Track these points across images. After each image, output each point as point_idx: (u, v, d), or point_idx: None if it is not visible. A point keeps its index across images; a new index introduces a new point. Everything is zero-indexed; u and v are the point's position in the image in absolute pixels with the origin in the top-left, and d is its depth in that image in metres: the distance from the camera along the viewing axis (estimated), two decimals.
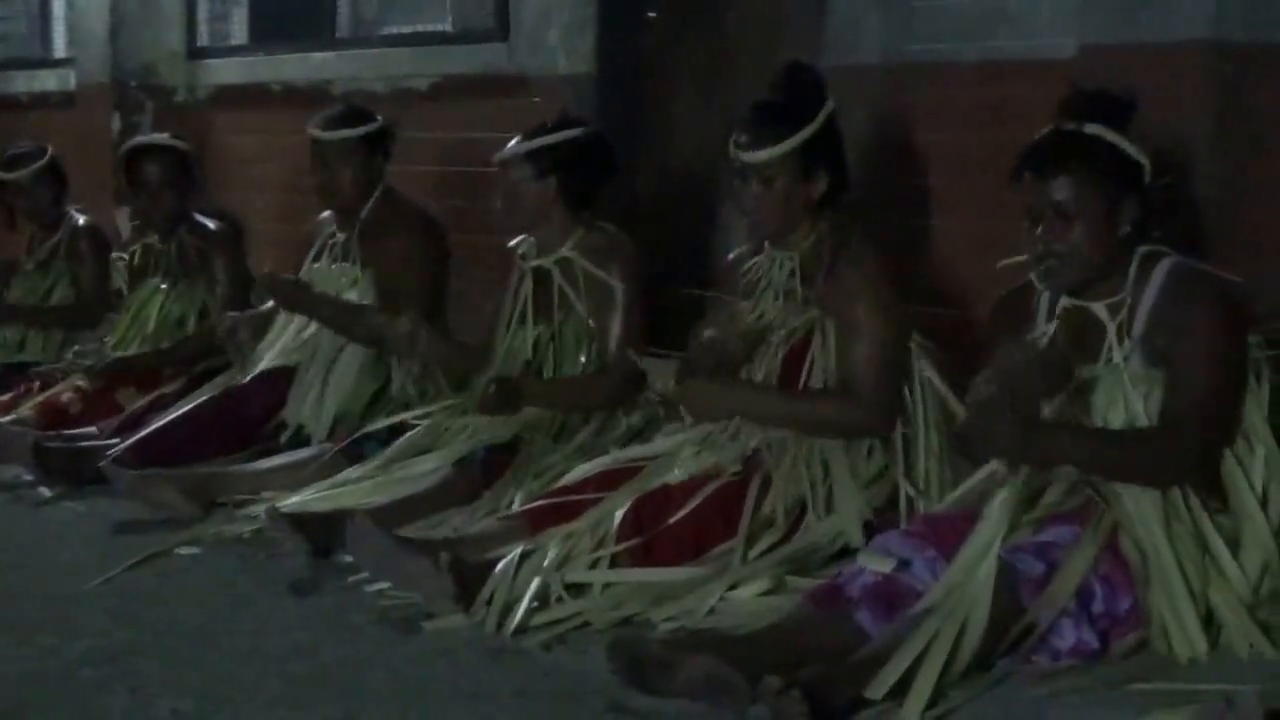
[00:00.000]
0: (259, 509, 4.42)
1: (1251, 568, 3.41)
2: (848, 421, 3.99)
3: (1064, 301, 3.52)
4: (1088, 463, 3.42)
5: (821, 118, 4.03)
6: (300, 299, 5.14)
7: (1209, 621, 3.35)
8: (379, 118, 5.26)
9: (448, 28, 6.75)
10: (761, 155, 4.01)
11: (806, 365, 4.02)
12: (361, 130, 5.16)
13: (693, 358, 4.13)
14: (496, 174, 4.72)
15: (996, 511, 3.40)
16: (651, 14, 5.73)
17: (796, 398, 4.03)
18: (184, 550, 4.30)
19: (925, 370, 4.01)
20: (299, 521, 4.18)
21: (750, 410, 4.03)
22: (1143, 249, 3.49)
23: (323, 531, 4.14)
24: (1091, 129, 3.43)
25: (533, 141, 4.62)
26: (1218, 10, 3.80)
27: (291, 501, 4.43)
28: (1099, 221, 3.43)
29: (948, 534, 3.41)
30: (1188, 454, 3.42)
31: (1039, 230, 3.45)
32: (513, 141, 4.66)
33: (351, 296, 5.15)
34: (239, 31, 7.89)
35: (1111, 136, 3.43)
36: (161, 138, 5.96)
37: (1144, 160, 3.45)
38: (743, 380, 4.08)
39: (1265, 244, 3.93)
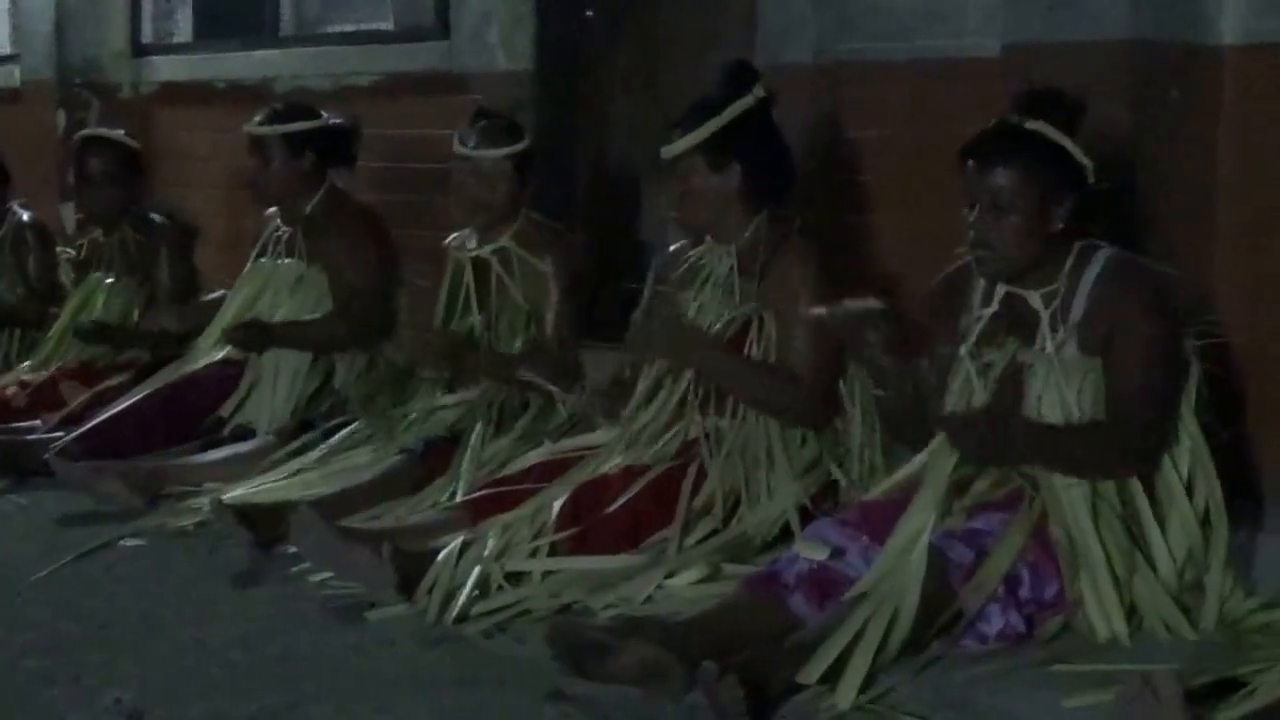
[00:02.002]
0: (203, 501, 4.43)
1: (1177, 552, 3.49)
2: (788, 404, 4.04)
3: (1002, 288, 3.59)
4: (1044, 458, 3.47)
5: (731, 110, 4.05)
6: (266, 340, 5.16)
7: (1133, 606, 3.42)
8: (323, 116, 5.31)
9: (389, 26, 6.77)
10: (669, 150, 4.06)
11: (745, 355, 4.06)
12: (293, 127, 5.20)
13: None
14: (448, 169, 4.79)
15: (927, 499, 3.45)
16: (589, 13, 5.77)
17: (755, 365, 4.05)
18: (128, 542, 4.32)
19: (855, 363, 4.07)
20: (243, 513, 4.20)
21: (708, 363, 4.05)
22: (1081, 242, 3.55)
23: (266, 523, 4.16)
24: (1033, 125, 3.49)
25: (518, 145, 4.72)
26: (1133, 10, 3.87)
27: (235, 493, 4.45)
28: (1032, 215, 3.48)
29: (880, 522, 3.46)
30: (1137, 448, 3.49)
31: (973, 218, 3.53)
32: (470, 137, 4.72)
33: (297, 291, 5.19)
34: (183, 29, 7.87)
35: (1053, 134, 3.49)
36: (115, 133, 5.96)
37: (1085, 160, 3.51)
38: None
39: (1179, 238, 4.01)
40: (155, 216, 5.85)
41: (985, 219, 3.50)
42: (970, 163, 3.52)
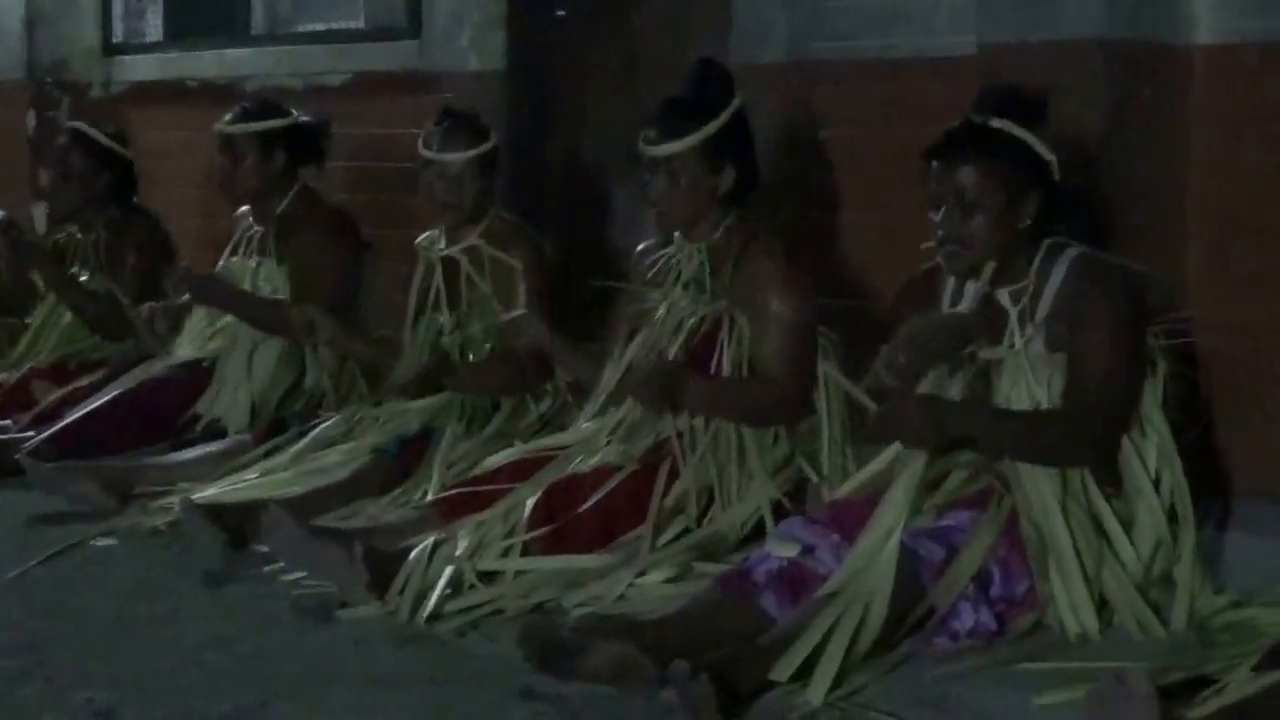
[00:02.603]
0: (175, 500, 4.42)
1: (1144, 549, 3.50)
2: (766, 408, 4.06)
3: (978, 287, 3.59)
4: (993, 443, 3.49)
5: (727, 113, 4.09)
6: (213, 293, 5.17)
7: (1103, 603, 3.44)
8: (293, 114, 5.30)
9: (361, 25, 6.76)
10: (667, 149, 4.07)
11: (715, 355, 4.07)
12: (263, 125, 5.20)
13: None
14: (416, 168, 4.79)
15: (898, 497, 3.46)
16: (561, 12, 5.77)
17: (735, 384, 4.06)
18: (100, 542, 4.32)
19: (828, 359, 4.08)
20: (214, 512, 4.20)
21: (693, 400, 4.04)
22: (1049, 240, 3.58)
23: (238, 522, 4.17)
24: (998, 123, 3.52)
25: (484, 146, 4.71)
26: (1106, 10, 3.89)
27: (207, 493, 4.44)
28: (999, 213, 3.51)
29: (851, 519, 3.47)
30: (1090, 436, 3.51)
31: (940, 216, 3.54)
32: (437, 140, 4.72)
33: (268, 290, 5.17)
34: (154, 28, 7.86)
35: (1018, 132, 3.51)
36: (103, 138, 5.95)
37: (1050, 157, 3.53)
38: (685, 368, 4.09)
39: (1152, 236, 4.03)
40: (128, 214, 5.85)
41: (953, 217, 3.52)
42: (935, 162, 3.54)
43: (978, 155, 3.50)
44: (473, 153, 4.72)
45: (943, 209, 3.54)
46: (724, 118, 4.08)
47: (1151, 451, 3.56)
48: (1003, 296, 3.58)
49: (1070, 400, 3.49)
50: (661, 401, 4.02)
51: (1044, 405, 3.51)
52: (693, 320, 4.10)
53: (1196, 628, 3.42)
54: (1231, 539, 3.76)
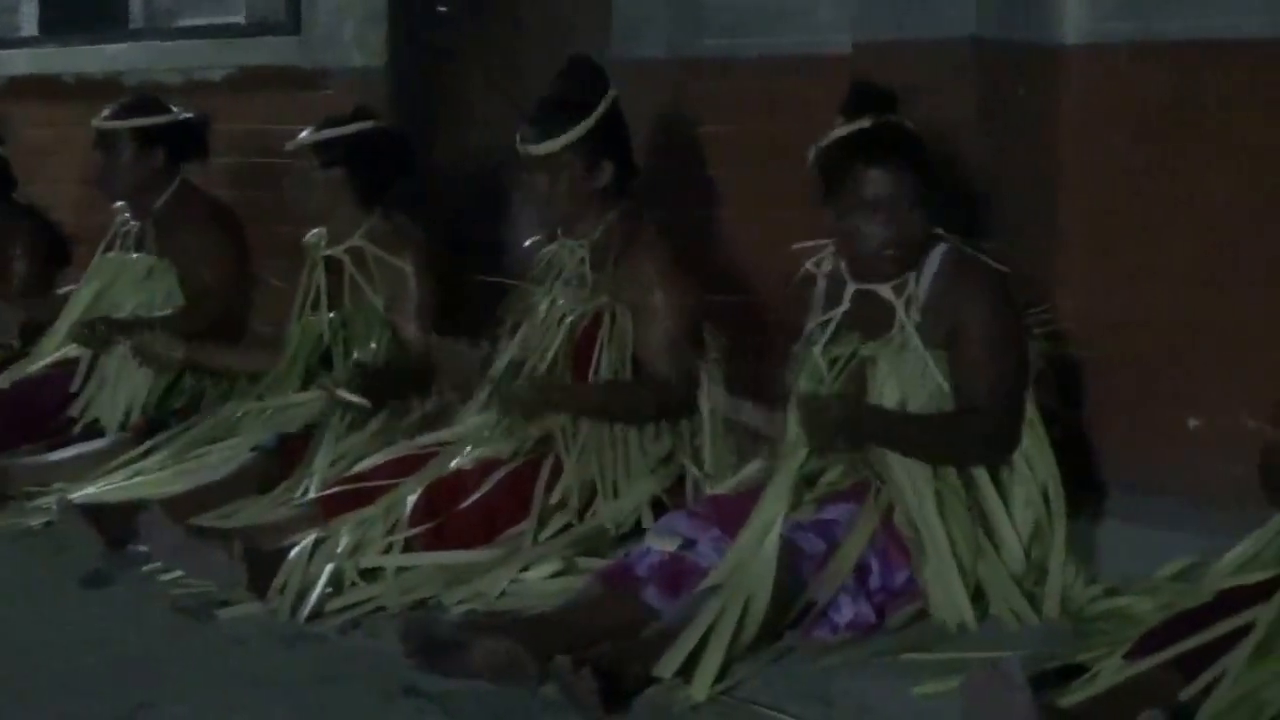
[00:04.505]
0: (51, 500, 4.37)
1: (1023, 531, 3.56)
2: (647, 406, 4.07)
3: (853, 286, 3.63)
4: (901, 444, 3.52)
5: (601, 108, 4.10)
6: (112, 336, 5.09)
7: (980, 593, 3.48)
8: (172, 110, 5.26)
9: (241, 20, 6.70)
10: (545, 148, 4.07)
11: (596, 351, 4.08)
12: (141, 121, 5.14)
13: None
14: (291, 164, 4.75)
15: (778, 491, 3.49)
16: (443, 8, 5.76)
17: (612, 387, 4.07)
18: None
19: (710, 355, 4.09)
20: (92, 512, 4.16)
21: (570, 409, 4.05)
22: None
23: (115, 522, 4.12)
24: (896, 120, 3.57)
25: (321, 133, 4.66)
26: (979, 10, 3.94)
27: (84, 493, 4.39)
28: (912, 207, 3.55)
29: (732, 513, 3.49)
30: (995, 434, 3.56)
31: (872, 222, 3.55)
32: (304, 132, 4.69)
33: (145, 286, 5.13)
34: (30, 22, 7.74)
35: (911, 128, 3.57)
36: None
37: (928, 158, 3.58)
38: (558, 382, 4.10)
39: (1026, 233, 4.08)
40: (17, 213, 5.78)
41: (888, 219, 3.54)
42: (859, 166, 3.54)
43: (896, 155, 3.54)
44: (335, 172, 4.65)
45: (874, 212, 3.55)
46: (598, 114, 4.09)
47: (1025, 443, 3.61)
48: (885, 291, 3.61)
49: (969, 405, 3.53)
50: (529, 418, 4.03)
51: (914, 401, 3.54)
52: (573, 317, 4.11)
53: (1072, 616, 3.47)
54: (1106, 529, 3.83)
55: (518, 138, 4.12)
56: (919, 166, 3.56)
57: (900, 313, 3.59)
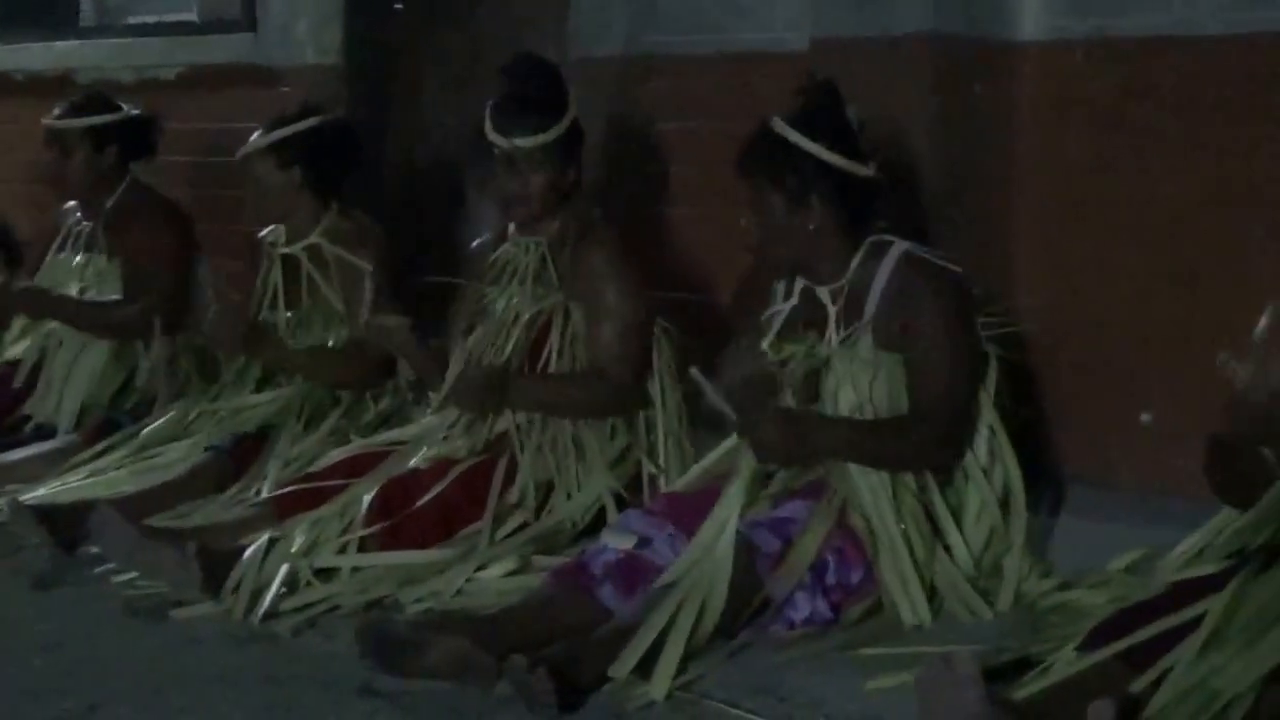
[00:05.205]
0: (3, 502, 4.33)
1: (977, 536, 3.58)
2: (600, 402, 4.06)
3: (800, 283, 3.65)
4: (849, 453, 3.52)
5: (574, 108, 4.10)
6: (40, 304, 5.07)
7: (935, 589, 3.50)
8: (123, 108, 5.23)
9: (194, 18, 6.67)
10: (532, 141, 4.04)
11: (547, 349, 4.08)
12: (92, 120, 5.12)
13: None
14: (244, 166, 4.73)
15: (735, 488, 3.50)
16: (399, 5, 5.75)
17: (563, 379, 4.07)
18: None
19: (664, 353, 4.10)
20: (42, 514, 4.13)
21: (520, 400, 4.04)
22: (872, 237, 3.62)
23: (67, 523, 4.10)
24: (779, 128, 3.56)
25: (273, 134, 4.63)
26: (936, 7, 3.96)
27: (35, 494, 4.36)
28: (786, 217, 3.56)
29: (687, 511, 3.50)
30: (943, 438, 3.57)
31: (761, 228, 3.61)
32: (254, 135, 4.67)
33: (96, 286, 5.10)
34: None
35: (793, 137, 3.54)
36: None
37: (830, 159, 3.54)
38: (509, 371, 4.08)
39: (981, 230, 4.10)
40: None
41: (761, 224, 3.60)
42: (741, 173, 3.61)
43: (761, 166, 3.56)
44: (288, 175, 4.63)
45: (760, 220, 3.60)
46: (573, 113, 4.09)
47: (983, 440, 3.63)
48: (823, 294, 3.63)
49: (922, 409, 3.54)
50: (483, 408, 4.02)
51: (869, 404, 3.55)
52: (529, 315, 4.10)
53: (1026, 610, 3.49)
54: (1061, 523, 3.85)
55: (494, 131, 4.08)
56: (805, 177, 3.54)
57: (830, 317, 3.60)
